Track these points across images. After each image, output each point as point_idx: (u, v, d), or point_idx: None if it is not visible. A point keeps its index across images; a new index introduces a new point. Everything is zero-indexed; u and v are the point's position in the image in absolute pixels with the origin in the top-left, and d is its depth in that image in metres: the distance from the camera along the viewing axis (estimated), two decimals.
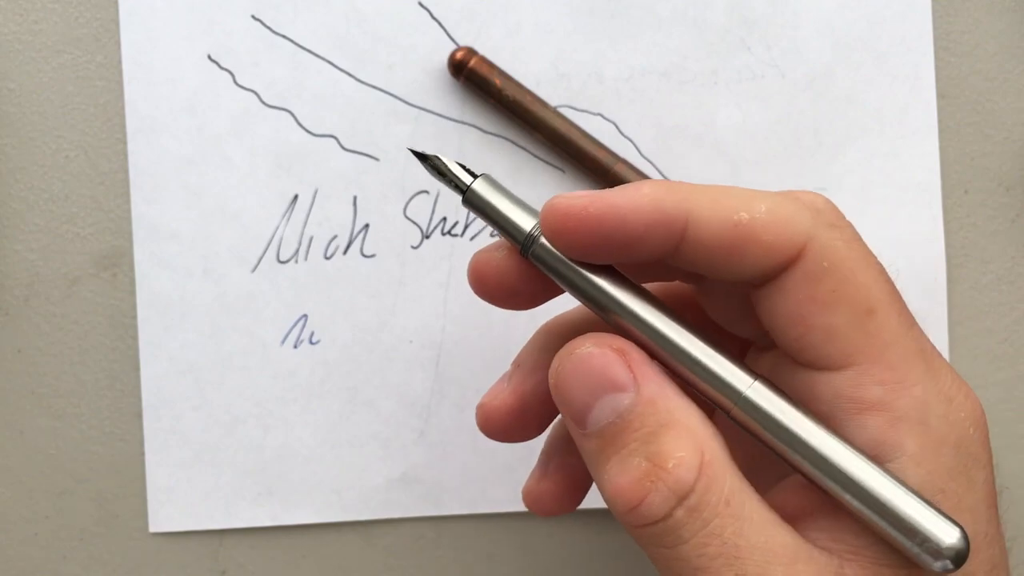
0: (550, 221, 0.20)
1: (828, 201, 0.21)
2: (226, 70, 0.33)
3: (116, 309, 0.33)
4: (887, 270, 0.21)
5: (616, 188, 0.20)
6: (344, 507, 0.33)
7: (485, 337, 0.33)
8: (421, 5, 0.33)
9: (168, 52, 0.33)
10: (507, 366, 0.25)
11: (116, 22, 0.33)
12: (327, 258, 0.33)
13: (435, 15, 0.33)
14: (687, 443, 0.19)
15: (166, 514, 0.33)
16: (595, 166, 0.32)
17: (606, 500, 0.20)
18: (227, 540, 0.33)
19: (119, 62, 0.33)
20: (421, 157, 0.22)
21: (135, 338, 0.33)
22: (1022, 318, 0.34)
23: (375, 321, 0.33)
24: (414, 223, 0.33)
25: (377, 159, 0.33)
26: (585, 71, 0.33)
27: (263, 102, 0.33)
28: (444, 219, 0.33)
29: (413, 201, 0.33)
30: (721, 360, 0.20)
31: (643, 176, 0.33)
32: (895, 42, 0.34)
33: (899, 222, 0.34)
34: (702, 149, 0.33)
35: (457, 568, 0.33)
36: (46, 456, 0.33)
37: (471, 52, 0.32)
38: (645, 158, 0.33)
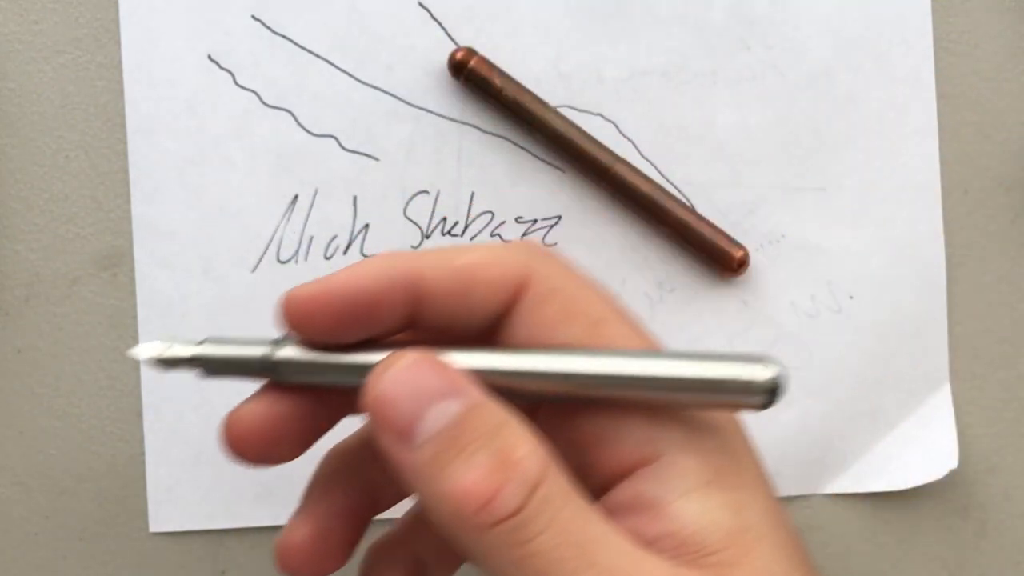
0: (291, 312, 0.21)
1: (539, 243, 0.22)
2: (226, 70, 0.33)
3: (116, 309, 0.33)
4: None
5: (345, 268, 0.21)
6: None
7: None
8: (421, 5, 0.33)
9: (168, 52, 0.33)
10: None
11: (116, 22, 0.33)
12: (327, 258, 0.33)
13: (435, 15, 0.33)
14: (528, 436, 0.19)
15: (166, 514, 0.33)
16: (595, 166, 0.32)
17: (444, 511, 0.19)
18: (227, 540, 0.33)
19: (119, 62, 0.33)
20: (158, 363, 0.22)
21: (135, 338, 0.33)
22: (1022, 318, 0.34)
23: None
24: (414, 223, 0.33)
25: (377, 159, 0.33)
26: (585, 71, 0.33)
27: (263, 102, 0.33)
28: (444, 219, 0.33)
29: (413, 201, 0.33)
30: (494, 355, 0.21)
31: (642, 175, 0.33)
32: (895, 42, 0.34)
33: (899, 222, 0.34)
34: (702, 149, 0.33)
35: None
36: (46, 456, 0.33)
37: (471, 52, 0.32)
38: (645, 158, 0.33)
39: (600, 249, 0.33)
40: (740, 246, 0.33)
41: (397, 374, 0.19)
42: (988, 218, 0.34)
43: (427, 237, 0.33)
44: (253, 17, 0.33)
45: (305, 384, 0.22)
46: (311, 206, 0.33)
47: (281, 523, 0.33)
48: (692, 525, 0.19)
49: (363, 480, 0.24)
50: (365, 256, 0.33)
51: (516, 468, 0.19)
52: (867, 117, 0.34)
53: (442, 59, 0.33)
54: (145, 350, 0.22)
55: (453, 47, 0.33)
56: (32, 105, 0.33)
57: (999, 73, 0.34)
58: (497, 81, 0.32)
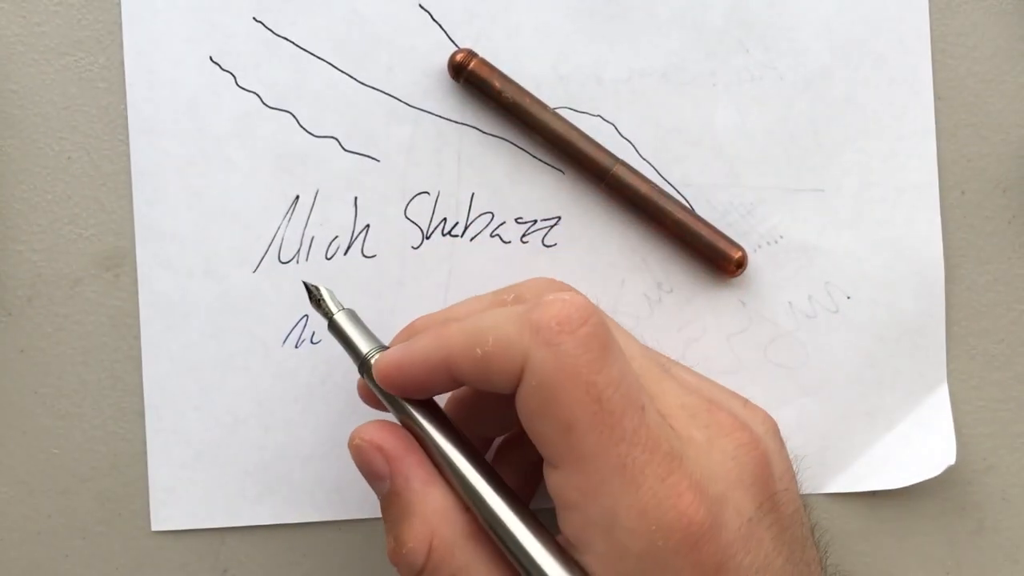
0: (378, 375, 0.26)
1: (557, 316, 0.23)
2: (228, 72, 0.33)
3: (118, 309, 0.33)
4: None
5: (410, 345, 0.26)
6: (345, 506, 0.33)
7: None
8: (421, 7, 0.33)
9: (170, 54, 0.33)
10: None
11: (118, 24, 0.33)
12: (328, 259, 0.33)
13: (435, 17, 0.33)
14: (418, 532, 0.25)
15: (168, 513, 0.33)
16: (594, 167, 0.33)
17: None
18: (229, 538, 0.33)
19: (121, 64, 0.33)
20: (307, 288, 0.29)
21: (137, 338, 0.33)
22: (1019, 318, 0.34)
23: (376, 321, 0.33)
24: (414, 224, 0.33)
25: (378, 160, 0.33)
26: (584, 73, 0.33)
27: (264, 103, 0.33)
28: (444, 220, 0.33)
29: (413, 202, 0.33)
30: (458, 457, 0.26)
31: (641, 177, 0.33)
32: (893, 44, 0.34)
33: (897, 223, 0.34)
34: (700, 150, 0.34)
35: None
36: (48, 455, 0.33)
37: (471, 54, 0.32)
38: (644, 159, 0.33)
39: (599, 250, 0.34)
40: (738, 247, 0.33)
41: (353, 448, 0.26)
42: (985, 219, 0.34)
43: (427, 238, 0.33)
44: (254, 19, 0.33)
45: (373, 388, 0.28)
46: (312, 207, 0.33)
47: (283, 522, 0.33)
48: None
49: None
50: (366, 257, 0.33)
51: (403, 557, 0.25)
52: (865, 118, 0.34)
53: (442, 61, 0.33)
54: (318, 286, 0.29)
55: (453, 49, 0.33)
56: (35, 107, 0.33)
57: (997, 75, 0.34)
58: (497, 83, 0.32)
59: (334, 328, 0.28)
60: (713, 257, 0.33)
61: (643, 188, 0.33)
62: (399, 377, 0.26)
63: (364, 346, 0.28)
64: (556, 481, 0.23)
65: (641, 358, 0.26)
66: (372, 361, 0.27)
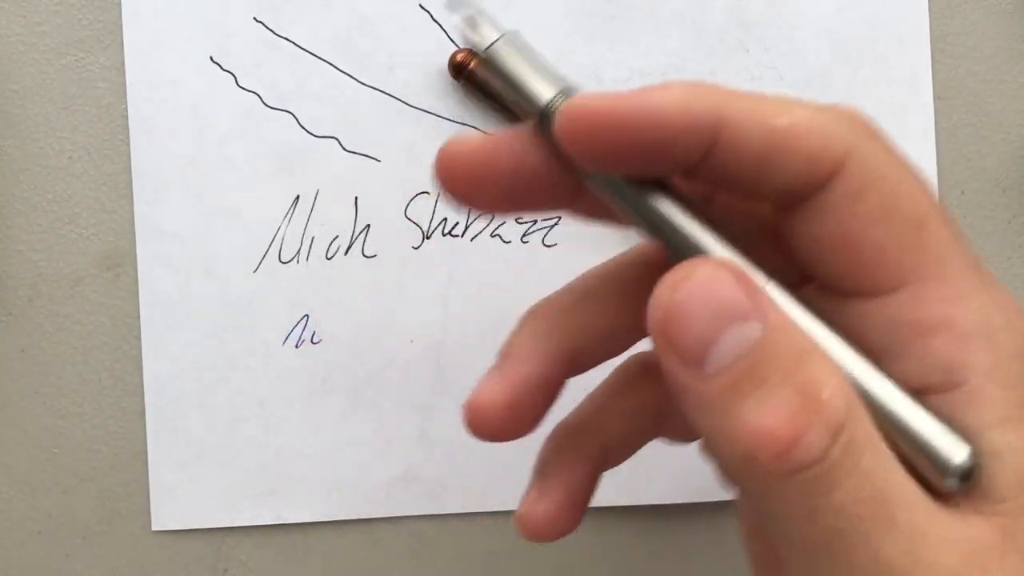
0: (567, 124, 0.18)
1: (864, 114, 0.18)
2: (228, 72, 0.33)
3: (119, 309, 0.33)
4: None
5: (640, 89, 0.18)
6: (346, 505, 0.33)
7: (486, 337, 0.33)
8: (421, 7, 0.33)
9: (171, 54, 0.33)
10: None
11: (119, 24, 0.33)
12: (328, 258, 0.33)
13: (435, 17, 0.33)
14: (834, 369, 0.17)
15: (169, 512, 0.33)
16: None
17: (732, 452, 0.17)
18: (230, 538, 0.33)
19: (122, 64, 0.33)
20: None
21: (138, 338, 0.33)
22: None
23: (376, 321, 0.33)
24: (415, 224, 0.33)
25: (378, 160, 0.33)
26: (584, 73, 0.33)
27: (265, 103, 0.33)
28: (445, 220, 0.33)
29: (414, 202, 0.33)
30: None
31: None
32: (892, 44, 0.34)
33: None
34: None
35: (458, 566, 0.34)
36: (49, 455, 0.33)
37: (471, 54, 0.32)
38: None
39: (599, 249, 0.34)
40: None
41: (694, 289, 0.17)
42: (985, 219, 0.34)
43: (427, 238, 0.33)
44: (255, 19, 0.33)
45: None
46: (312, 207, 0.33)
47: (283, 521, 0.33)
48: (987, 468, 0.17)
49: (566, 336, 0.21)
50: (366, 257, 0.33)
51: (822, 409, 0.16)
52: None
53: (443, 61, 0.33)
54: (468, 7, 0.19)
55: (453, 49, 0.33)
56: (35, 107, 0.33)
57: (996, 74, 0.34)
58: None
59: (491, 62, 0.19)
60: None
61: None
62: (621, 130, 0.17)
63: (544, 89, 0.19)
64: (903, 305, 0.18)
65: None
66: (565, 111, 0.18)
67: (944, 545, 0.16)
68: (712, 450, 0.18)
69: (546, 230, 0.33)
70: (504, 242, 0.33)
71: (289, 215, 0.33)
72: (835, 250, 0.18)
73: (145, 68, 0.33)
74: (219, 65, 0.33)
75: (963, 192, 0.34)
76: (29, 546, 0.33)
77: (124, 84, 0.33)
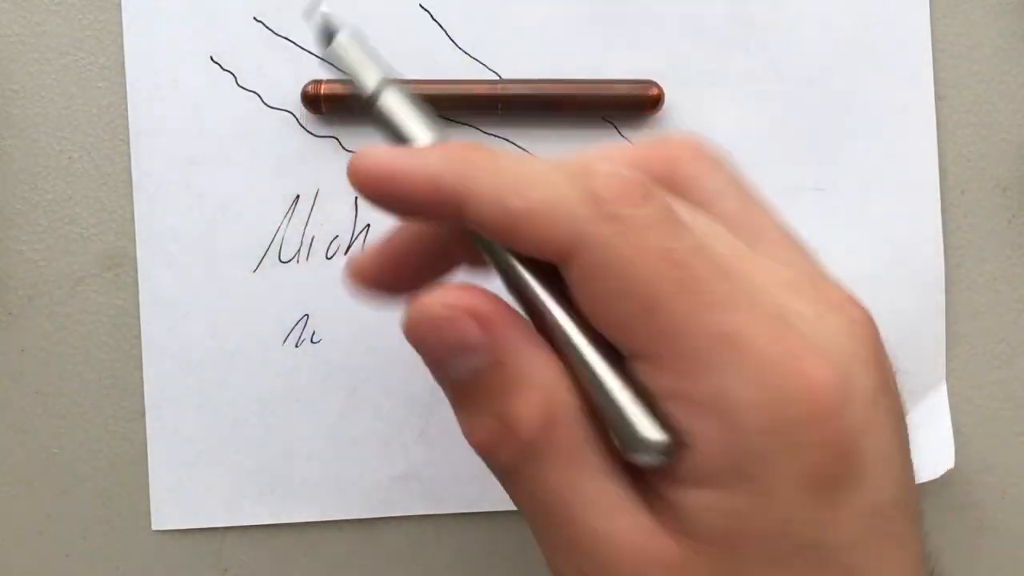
0: (351, 174, 0.21)
1: (618, 189, 0.19)
2: (228, 71, 0.33)
3: (119, 309, 0.33)
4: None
5: (410, 152, 0.20)
6: (345, 505, 0.33)
7: None
8: (421, 7, 0.33)
9: (171, 54, 0.33)
10: None
11: (119, 24, 0.33)
12: (328, 258, 0.33)
13: (435, 17, 0.33)
14: (534, 400, 0.20)
15: (169, 512, 0.33)
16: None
17: (470, 440, 0.21)
18: (229, 538, 0.33)
19: (122, 64, 0.33)
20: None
21: (138, 338, 0.33)
22: (1019, 317, 0.34)
23: (376, 320, 0.33)
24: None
25: None
26: (584, 73, 0.33)
27: (265, 103, 0.33)
28: None
29: None
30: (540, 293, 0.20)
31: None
32: (893, 44, 0.34)
33: (897, 222, 0.34)
34: None
35: (457, 566, 0.34)
36: (49, 455, 0.33)
37: (318, 82, 0.32)
38: None
39: None
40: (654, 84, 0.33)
41: (425, 322, 0.20)
42: (985, 218, 0.34)
43: None
44: (255, 19, 0.33)
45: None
46: (312, 206, 0.33)
47: (283, 521, 0.33)
48: (684, 510, 0.19)
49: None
50: None
51: (511, 435, 0.20)
52: (865, 118, 0.34)
53: (443, 61, 0.33)
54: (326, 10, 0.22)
55: (454, 48, 0.33)
56: (35, 107, 0.33)
57: (997, 74, 0.34)
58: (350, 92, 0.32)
59: (333, 54, 0.22)
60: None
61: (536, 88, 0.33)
62: (385, 187, 0.20)
63: (373, 76, 0.21)
64: (645, 373, 0.19)
65: (724, 235, 0.22)
66: (352, 156, 0.21)
67: (622, 552, 0.19)
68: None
69: None
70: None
71: (289, 215, 0.33)
72: (589, 314, 0.20)
73: (145, 68, 0.33)
74: (219, 65, 0.33)
75: (963, 192, 0.34)
76: (29, 546, 0.33)
77: (124, 84, 0.33)
